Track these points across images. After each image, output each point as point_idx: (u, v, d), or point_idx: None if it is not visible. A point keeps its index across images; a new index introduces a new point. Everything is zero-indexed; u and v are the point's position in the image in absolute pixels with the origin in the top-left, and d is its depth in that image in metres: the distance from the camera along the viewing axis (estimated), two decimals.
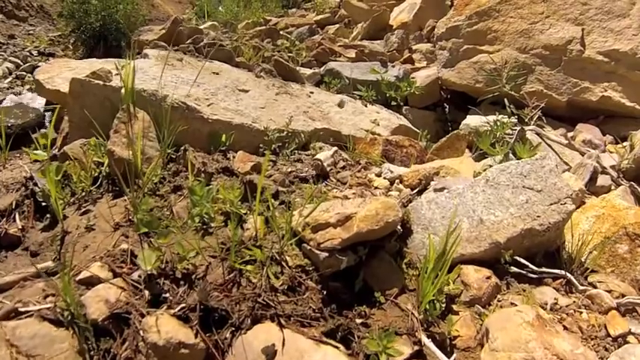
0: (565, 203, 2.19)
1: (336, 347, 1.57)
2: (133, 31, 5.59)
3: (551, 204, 2.20)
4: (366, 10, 6.93)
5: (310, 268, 1.81)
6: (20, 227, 2.21)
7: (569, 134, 3.97)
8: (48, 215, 2.26)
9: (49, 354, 1.50)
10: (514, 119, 3.75)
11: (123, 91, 2.46)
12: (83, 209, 2.24)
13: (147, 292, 1.72)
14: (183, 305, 1.62)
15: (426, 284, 1.76)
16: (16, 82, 5.80)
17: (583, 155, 3.49)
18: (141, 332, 1.55)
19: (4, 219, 2.25)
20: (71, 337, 1.56)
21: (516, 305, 1.89)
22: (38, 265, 1.86)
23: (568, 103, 4.23)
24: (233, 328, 1.59)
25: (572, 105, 4.24)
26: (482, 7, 4.62)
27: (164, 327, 1.54)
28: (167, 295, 1.72)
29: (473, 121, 4.22)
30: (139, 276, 1.78)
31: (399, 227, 2.05)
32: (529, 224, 2.12)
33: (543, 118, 3.92)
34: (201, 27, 5.85)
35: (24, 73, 6.11)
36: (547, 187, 2.25)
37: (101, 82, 2.60)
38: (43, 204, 2.27)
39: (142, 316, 1.61)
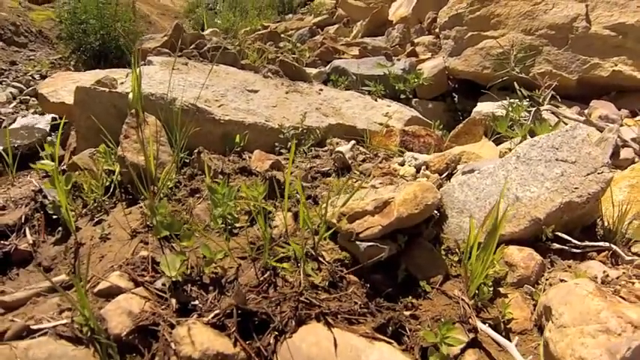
0: (602, 172, 2.07)
1: (390, 343, 1.43)
2: (132, 49, 5.54)
3: (588, 174, 2.08)
4: (364, 8, 6.87)
5: (350, 261, 1.68)
6: (31, 242, 2.08)
7: (585, 112, 3.88)
8: (60, 228, 2.13)
9: None
10: (526, 102, 3.67)
11: (130, 96, 2.35)
12: (96, 219, 2.12)
13: (173, 301, 1.55)
14: (217, 312, 1.46)
15: (475, 266, 1.64)
16: (21, 107, 5.73)
17: (601, 131, 3.40)
18: (172, 345, 1.37)
19: (14, 234, 2.12)
20: (92, 355, 1.37)
21: (566, 281, 1.77)
22: (53, 278, 1.71)
23: (578, 82, 4.14)
24: (276, 333, 1.43)
25: (583, 83, 4.14)
26: None
27: (198, 337, 1.37)
28: (196, 302, 1.57)
29: (484, 107, 4.14)
30: (163, 284, 1.61)
31: (435, 212, 1.93)
32: (567, 197, 2.01)
33: (557, 97, 3.83)
34: (203, 33, 5.78)
35: (27, 97, 6.04)
36: (581, 158, 2.13)
37: (107, 89, 2.50)
38: (54, 217, 2.13)
39: (172, 327, 1.44)
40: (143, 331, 1.43)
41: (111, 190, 2.27)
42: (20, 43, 7.88)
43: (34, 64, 7.47)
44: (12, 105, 5.80)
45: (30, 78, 6.88)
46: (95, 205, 2.21)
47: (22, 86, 6.48)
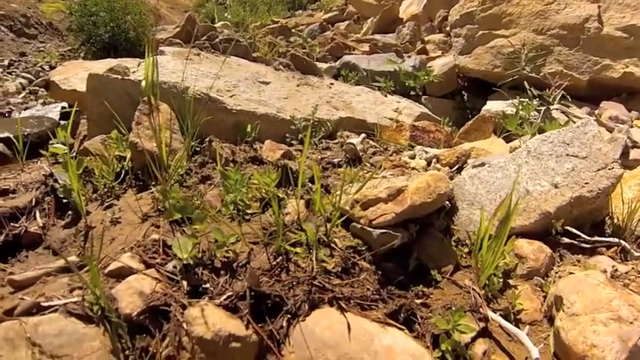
0: (612, 168, 2.08)
1: (401, 329, 1.43)
2: (142, 41, 5.55)
3: (599, 170, 2.08)
4: (375, 5, 6.86)
5: (362, 248, 1.68)
6: (41, 225, 2.07)
7: (595, 112, 3.87)
8: (70, 212, 2.13)
9: (77, 354, 1.28)
10: (536, 101, 3.66)
11: (143, 83, 2.35)
12: (107, 204, 2.11)
13: (185, 283, 1.54)
14: (229, 294, 1.45)
15: (486, 257, 1.64)
16: (30, 97, 5.76)
17: (611, 132, 3.39)
18: (184, 325, 1.36)
19: (24, 217, 2.12)
20: (102, 334, 1.35)
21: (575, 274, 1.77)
22: (62, 259, 1.71)
23: (589, 83, 4.13)
24: (289, 316, 1.42)
25: (593, 84, 4.13)
26: None
27: (211, 318, 1.35)
28: (207, 285, 1.56)
29: (494, 106, 4.13)
30: (174, 267, 1.60)
31: (447, 202, 1.93)
32: (577, 192, 2.01)
33: (567, 96, 3.82)
34: (215, 26, 5.79)
35: (37, 87, 6.07)
36: (592, 153, 2.13)
37: (120, 77, 2.51)
38: (64, 201, 2.14)
39: (184, 307, 1.42)
40: (154, 311, 1.42)
41: (122, 176, 2.27)
42: (30, 35, 7.92)
43: (43, 56, 7.51)
44: (21, 95, 5.84)
45: (39, 69, 6.92)
46: (105, 190, 2.21)
47: (31, 77, 6.52)
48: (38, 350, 1.26)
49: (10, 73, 6.62)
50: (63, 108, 4.30)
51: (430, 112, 3.93)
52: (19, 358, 1.24)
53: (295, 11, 9.16)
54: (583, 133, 2.23)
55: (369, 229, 1.67)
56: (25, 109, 5.10)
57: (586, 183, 2.05)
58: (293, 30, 5.79)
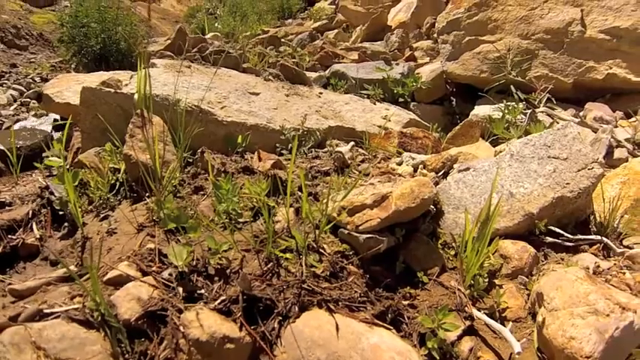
0: (592, 168, 2.16)
1: (389, 329, 1.49)
2: (133, 52, 5.59)
3: (579, 170, 2.16)
4: (364, 13, 6.96)
5: (350, 253, 1.75)
6: (38, 237, 2.12)
7: (580, 114, 3.96)
8: (66, 224, 2.18)
9: (80, 357, 1.35)
10: (523, 104, 3.74)
11: (136, 96, 2.41)
12: (102, 215, 2.17)
13: (180, 290, 1.60)
14: (223, 298, 1.52)
15: (470, 256, 1.70)
16: (21, 109, 5.78)
17: (595, 132, 3.47)
18: (181, 328, 1.43)
19: (21, 229, 2.17)
20: (103, 339, 1.42)
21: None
22: (61, 269, 1.77)
23: (574, 85, 4.22)
24: (280, 318, 1.49)
25: (578, 86, 4.22)
26: None
27: (206, 321, 1.43)
28: (202, 291, 1.63)
29: (481, 110, 4.21)
30: (170, 274, 1.67)
31: (432, 207, 1.99)
32: (559, 192, 2.09)
33: (553, 99, 3.91)
34: (205, 37, 5.85)
35: (28, 99, 6.09)
36: (572, 155, 2.21)
37: (112, 90, 2.56)
38: (60, 212, 2.19)
39: (180, 312, 1.49)
40: (151, 316, 1.48)
41: (116, 187, 2.32)
42: (21, 46, 7.94)
43: (34, 67, 7.53)
44: (12, 107, 5.86)
45: (31, 81, 6.93)
46: (101, 201, 2.26)
47: (22, 89, 6.53)
48: (43, 354, 1.32)
49: (1, 85, 6.64)
50: (55, 120, 4.34)
51: (419, 119, 4.00)
52: None
53: (285, 20, 9.25)
54: (563, 136, 2.30)
55: (355, 234, 1.73)
56: (16, 122, 5.13)
57: (567, 183, 2.13)
58: (283, 39, 5.86)
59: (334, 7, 8.41)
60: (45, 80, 6.65)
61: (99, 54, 5.78)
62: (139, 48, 5.16)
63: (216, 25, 8.29)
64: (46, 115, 5.05)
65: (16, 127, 4.52)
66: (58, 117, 4.34)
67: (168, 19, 11.78)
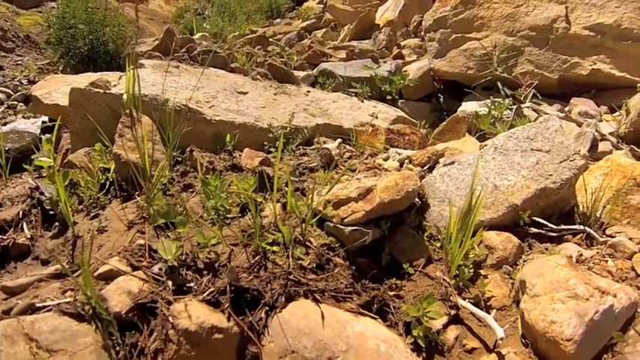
0: (574, 159, 2.21)
1: (374, 319, 1.53)
2: (121, 53, 5.56)
3: (561, 162, 2.21)
4: (352, 12, 7.01)
5: (336, 245, 1.78)
6: (29, 236, 2.14)
7: (565, 109, 4.02)
8: (56, 223, 2.19)
9: (72, 348, 1.38)
10: (509, 100, 3.79)
11: (125, 97, 2.43)
12: (92, 214, 2.19)
13: (170, 283, 1.63)
14: (211, 290, 1.56)
15: (454, 247, 1.74)
16: (9, 112, 5.75)
17: (580, 126, 3.53)
18: (170, 319, 1.46)
19: (12, 229, 2.19)
20: (94, 331, 1.45)
21: None
22: (53, 266, 1.79)
23: (559, 81, 4.28)
24: (267, 308, 1.53)
25: (564, 82, 4.29)
26: None
27: (194, 312, 1.46)
28: (191, 284, 1.66)
29: (469, 107, 4.26)
30: (160, 269, 1.70)
31: (417, 200, 2.03)
32: (542, 184, 2.14)
33: (538, 95, 3.96)
34: (193, 37, 5.86)
35: (15, 102, 6.06)
36: (555, 147, 2.26)
37: (101, 91, 2.58)
38: (51, 212, 2.21)
39: (169, 303, 1.52)
40: (142, 309, 1.51)
41: (106, 187, 2.34)
42: (7, 48, 7.89)
43: (21, 70, 7.48)
44: (0, 110, 5.82)
45: (18, 83, 6.88)
46: (91, 201, 2.28)
47: (9, 91, 6.47)
48: (35, 345, 1.35)
49: None
50: (43, 122, 4.33)
51: (406, 116, 4.04)
52: (18, 352, 1.33)
53: (274, 20, 9.28)
54: (545, 129, 2.35)
55: (341, 226, 1.77)
56: (4, 124, 5.10)
57: (550, 175, 2.17)
58: (271, 39, 5.89)
59: (322, 6, 8.46)
60: (32, 83, 6.59)
61: (87, 55, 5.73)
62: (127, 49, 5.14)
63: (204, 25, 8.30)
64: (35, 118, 5.03)
65: (4, 129, 4.50)
66: (46, 119, 4.34)
67: (156, 20, 11.74)
